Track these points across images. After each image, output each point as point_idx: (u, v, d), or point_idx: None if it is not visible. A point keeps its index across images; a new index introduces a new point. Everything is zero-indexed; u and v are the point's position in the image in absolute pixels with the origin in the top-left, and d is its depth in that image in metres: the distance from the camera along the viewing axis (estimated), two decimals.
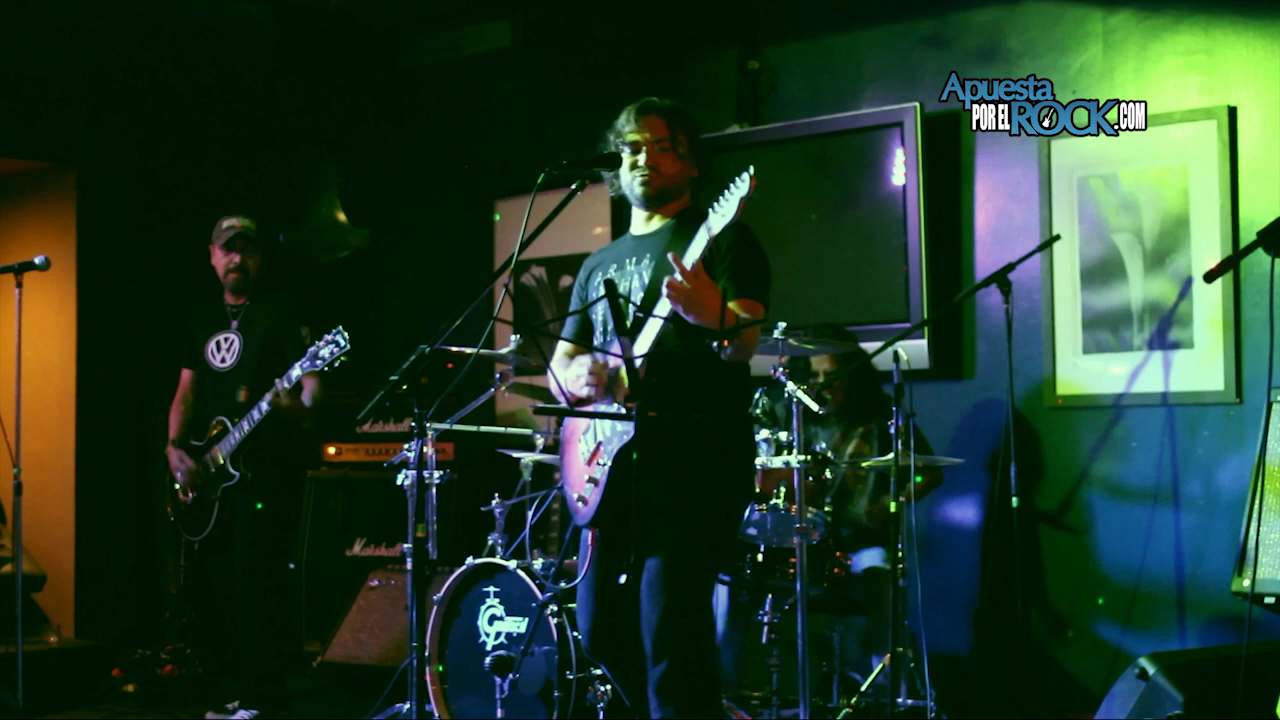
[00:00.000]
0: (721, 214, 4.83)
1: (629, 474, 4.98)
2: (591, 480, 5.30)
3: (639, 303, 5.28)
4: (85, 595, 9.60)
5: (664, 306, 4.97)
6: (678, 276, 4.85)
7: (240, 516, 7.66)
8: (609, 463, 5.20)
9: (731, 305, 5.10)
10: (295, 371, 7.33)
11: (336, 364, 7.26)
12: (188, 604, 9.21)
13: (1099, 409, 7.43)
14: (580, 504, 5.37)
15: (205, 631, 9.00)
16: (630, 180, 5.44)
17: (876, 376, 7.43)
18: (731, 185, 4.79)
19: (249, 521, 7.64)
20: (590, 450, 5.34)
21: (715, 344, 5.03)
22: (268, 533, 7.72)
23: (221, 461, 7.66)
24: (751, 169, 4.74)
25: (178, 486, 7.88)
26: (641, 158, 5.40)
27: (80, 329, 9.66)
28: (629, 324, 5.11)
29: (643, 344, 5.12)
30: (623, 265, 5.45)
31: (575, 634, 6.61)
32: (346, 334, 7.23)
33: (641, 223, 5.54)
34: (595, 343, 5.50)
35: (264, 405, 7.46)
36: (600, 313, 5.49)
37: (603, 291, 5.14)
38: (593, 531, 5.42)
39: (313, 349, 7.27)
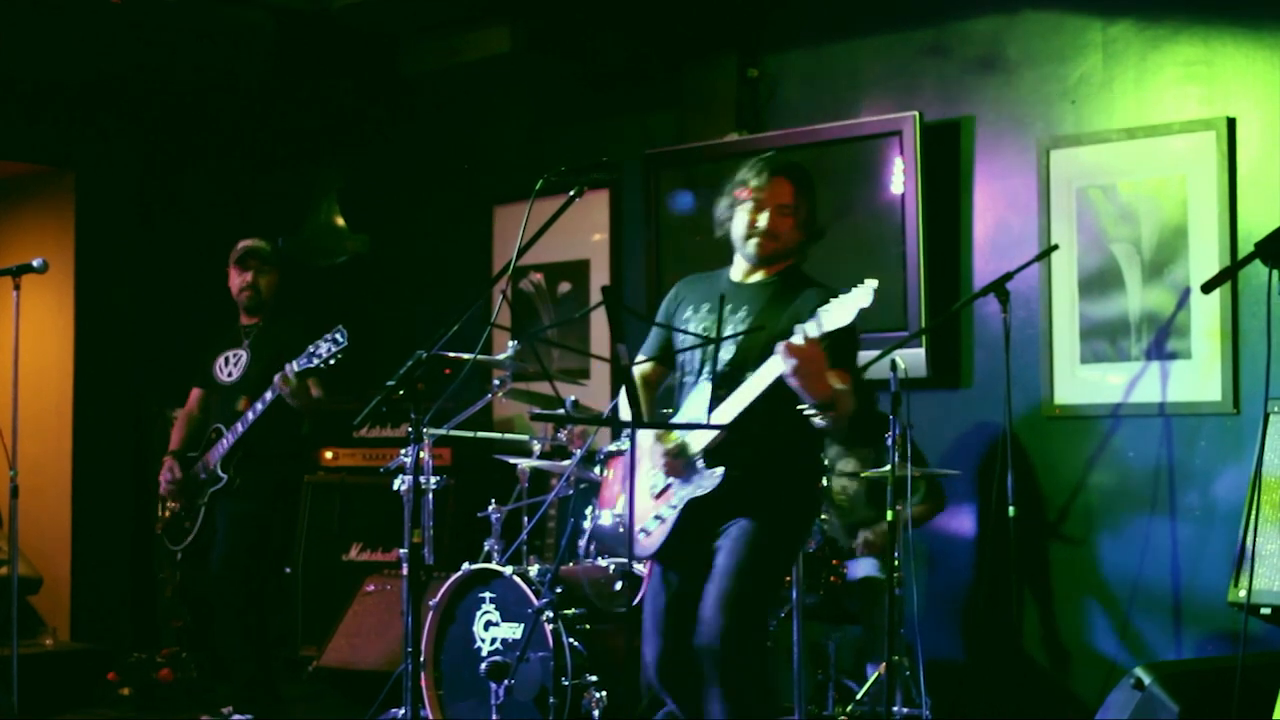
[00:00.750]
0: (834, 316, 4.89)
1: (698, 520, 5.24)
2: (659, 517, 5.39)
3: (730, 357, 5.37)
4: (81, 598, 9.61)
5: (770, 368, 5.06)
6: (797, 340, 4.91)
7: (221, 523, 7.66)
8: (680, 506, 5.31)
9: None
10: (294, 367, 7.33)
11: (333, 361, 7.26)
12: (183, 608, 9.20)
13: (1096, 419, 7.43)
14: (643, 535, 5.46)
15: (201, 636, 8.99)
16: (744, 236, 5.46)
17: (872, 388, 7.44)
18: (854, 290, 4.85)
19: (228, 528, 7.64)
20: (660, 487, 5.43)
21: (815, 414, 5.09)
22: (245, 539, 7.70)
23: (212, 466, 7.66)
24: (875, 283, 4.83)
25: (162, 494, 7.89)
26: (763, 219, 5.42)
27: (78, 332, 9.67)
28: (718, 376, 5.31)
29: (735, 402, 5.21)
30: (716, 308, 5.45)
31: (571, 640, 6.62)
32: (345, 331, 7.24)
33: (741, 270, 5.58)
34: (683, 383, 5.58)
35: (259, 405, 7.47)
36: (690, 356, 5.53)
37: (695, 324, 5.42)
38: (652, 564, 5.51)
39: (310, 347, 7.27)
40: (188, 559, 7.86)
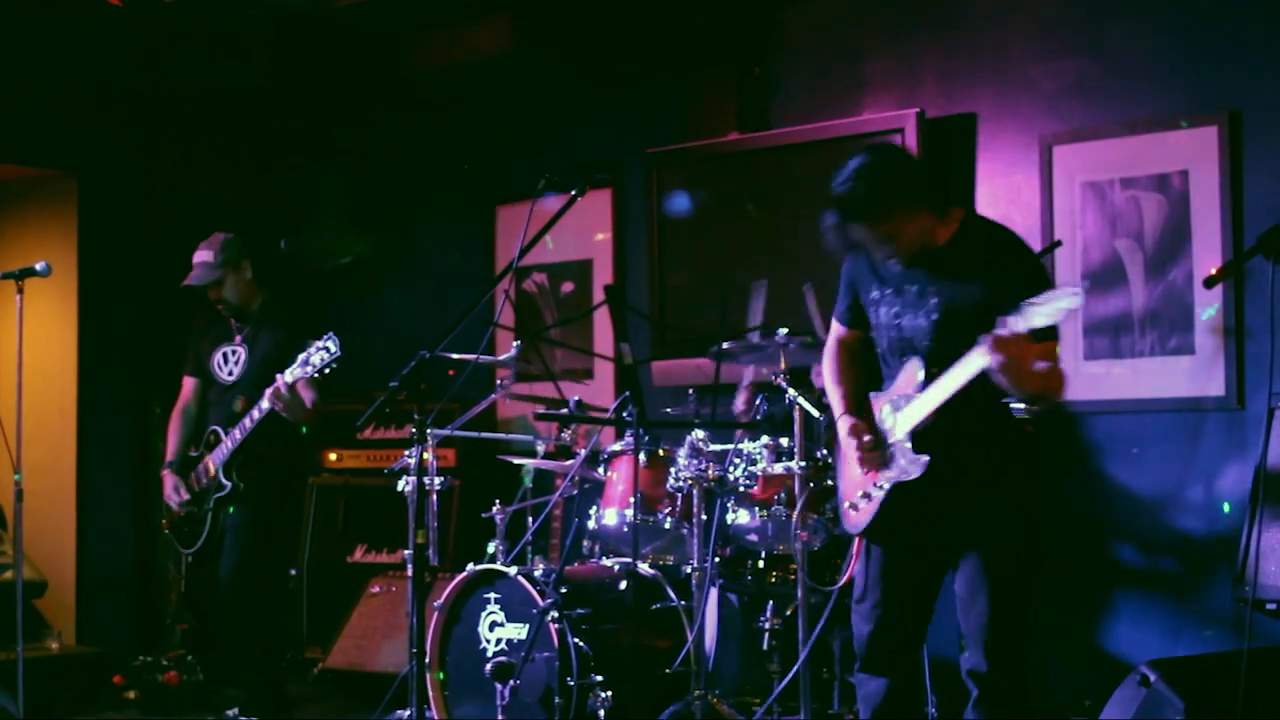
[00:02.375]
0: (1033, 316, 4.73)
1: (904, 502, 5.19)
2: (865, 495, 5.32)
3: (931, 330, 5.25)
4: (86, 602, 9.59)
5: (972, 363, 4.94)
6: (1003, 333, 4.80)
7: (230, 528, 7.60)
8: (887, 487, 5.23)
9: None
10: (286, 378, 7.23)
11: (327, 370, 7.14)
12: (188, 611, 9.20)
13: (1100, 414, 7.42)
14: (852, 511, 5.40)
15: (206, 639, 8.99)
16: None
17: None
18: (1059, 295, 4.69)
19: (237, 534, 7.57)
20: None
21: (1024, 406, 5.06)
22: (255, 545, 7.63)
23: (213, 472, 7.58)
24: (1084, 287, 4.70)
25: (174, 511, 7.83)
26: None
27: (81, 335, 9.65)
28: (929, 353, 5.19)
29: (935, 394, 5.13)
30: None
31: (576, 640, 6.61)
32: (338, 340, 7.13)
33: None
34: (885, 375, 5.44)
35: (255, 413, 7.37)
36: (880, 326, 5.41)
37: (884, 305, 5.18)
38: (861, 540, 5.48)
39: (303, 355, 7.15)
40: (199, 562, 7.83)
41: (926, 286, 5.26)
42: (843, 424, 5.40)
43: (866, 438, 5.28)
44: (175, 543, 7.94)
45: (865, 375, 5.55)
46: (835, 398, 5.53)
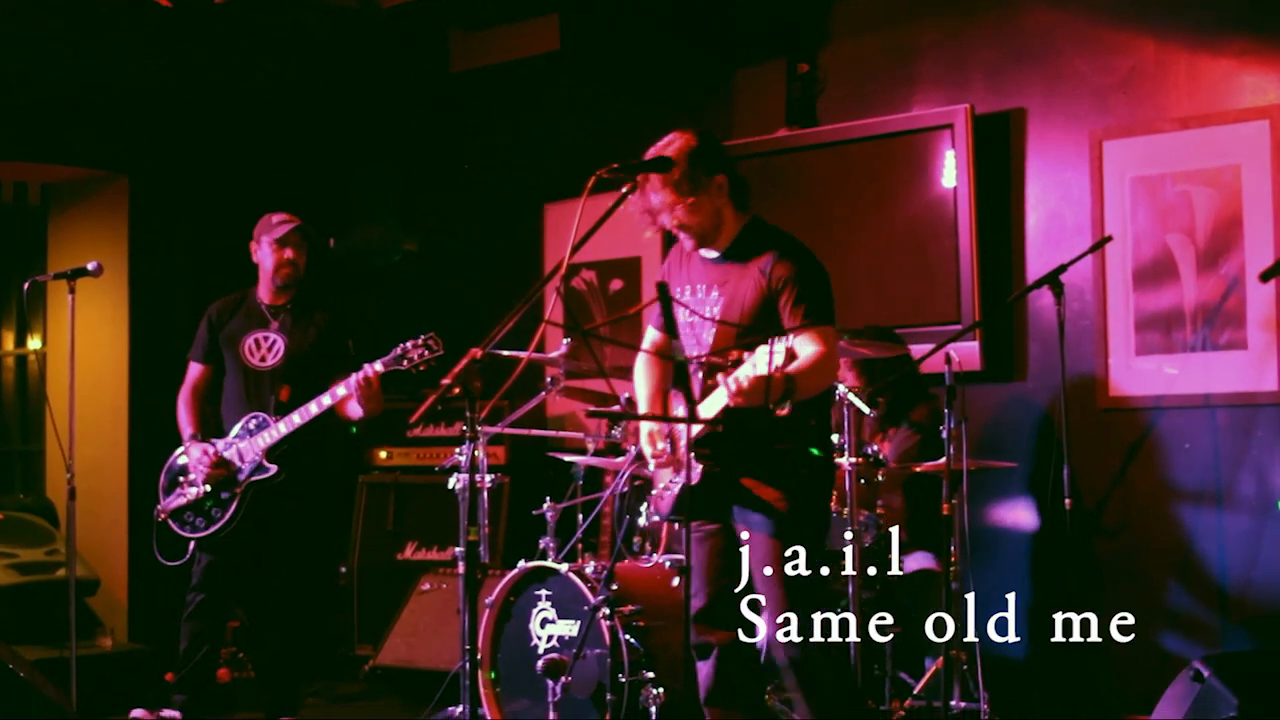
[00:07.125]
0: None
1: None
2: None
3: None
4: (138, 599, 9.64)
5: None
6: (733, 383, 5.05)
7: (278, 524, 7.49)
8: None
9: (799, 342, 5.18)
10: (377, 367, 7.07)
11: (423, 367, 7.07)
12: (241, 609, 9.22)
13: (1151, 410, 7.39)
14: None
15: (259, 636, 9.00)
16: None
17: (921, 380, 7.42)
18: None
19: (285, 530, 7.42)
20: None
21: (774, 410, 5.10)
22: (305, 542, 7.54)
23: (257, 456, 7.43)
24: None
25: (186, 478, 7.65)
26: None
27: (133, 334, 9.70)
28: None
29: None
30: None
31: (628, 637, 6.61)
32: (440, 340, 7.04)
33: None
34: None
35: (326, 399, 7.17)
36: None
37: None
38: None
39: (398, 349, 7.07)
40: (204, 549, 7.61)
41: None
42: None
43: None
44: (175, 528, 7.72)
45: None
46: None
